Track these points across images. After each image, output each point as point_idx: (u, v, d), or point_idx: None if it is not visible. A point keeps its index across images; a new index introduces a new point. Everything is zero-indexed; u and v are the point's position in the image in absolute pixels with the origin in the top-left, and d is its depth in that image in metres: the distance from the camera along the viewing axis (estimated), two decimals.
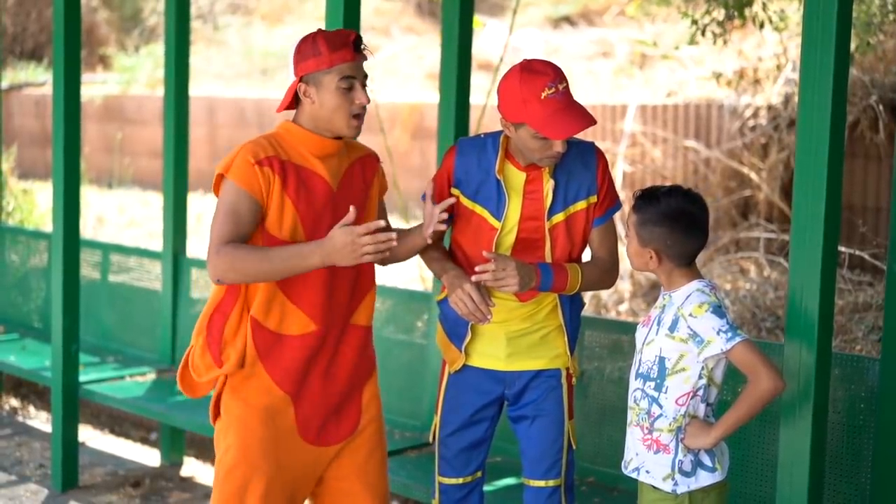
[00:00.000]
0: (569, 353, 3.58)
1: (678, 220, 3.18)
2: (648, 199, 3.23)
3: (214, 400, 3.43)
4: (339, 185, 3.37)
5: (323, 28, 4.25)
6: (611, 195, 3.54)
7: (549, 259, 3.47)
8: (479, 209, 3.50)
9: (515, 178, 3.47)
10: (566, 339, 3.57)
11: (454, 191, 3.53)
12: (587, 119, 3.28)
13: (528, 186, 3.46)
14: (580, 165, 3.48)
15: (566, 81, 3.33)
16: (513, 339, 3.56)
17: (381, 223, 3.13)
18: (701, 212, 3.23)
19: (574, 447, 3.61)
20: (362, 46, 3.33)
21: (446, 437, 3.66)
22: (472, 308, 3.40)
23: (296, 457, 3.40)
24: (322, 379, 3.40)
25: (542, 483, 3.58)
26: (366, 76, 3.35)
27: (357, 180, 3.43)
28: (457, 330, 3.60)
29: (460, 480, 3.66)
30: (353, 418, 3.48)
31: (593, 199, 3.49)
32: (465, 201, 3.52)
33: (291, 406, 3.37)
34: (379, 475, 3.54)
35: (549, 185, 3.44)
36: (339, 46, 3.27)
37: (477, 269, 3.34)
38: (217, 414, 3.43)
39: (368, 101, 3.32)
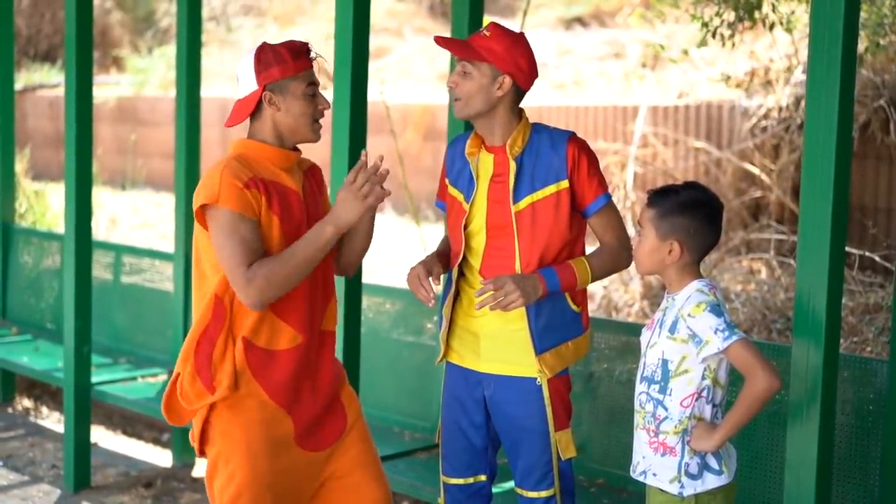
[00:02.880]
0: (535, 358, 3.46)
1: (700, 208, 3.21)
2: (666, 192, 3.25)
3: (200, 428, 3.39)
4: (304, 194, 3.44)
5: (333, 30, 4.30)
6: (595, 183, 3.48)
7: (516, 244, 3.45)
8: (456, 193, 3.56)
9: (487, 161, 3.52)
10: (532, 342, 3.47)
11: (446, 181, 3.63)
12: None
13: (496, 169, 3.49)
14: (548, 149, 3.47)
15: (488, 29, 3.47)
16: (486, 338, 3.53)
17: (367, 161, 3.24)
18: (718, 205, 3.27)
19: (565, 457, 3.51)
20: (313, 55, 3.42)
21: (445, 436, 3.66)
22: (416, 286, 3.44)
23: (296, 468, 3.42)
24: (311, 387, 3.44)
25: (534, 494, 3.53)
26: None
27: (314, 188, 3.52)
28: (440, 322, 3.63)
29: (462, 481, 3.64)
30: (341, 419, 3.51)
31: (563, 184, 3.44)
32: (450, 189, 3.59)
33: (289, 418, 3.39)
34: (377, 465, 3.58)
35: (512, 168, 3.45)
36: (299, 54, 3.37)
37: (476, 300, 3.38)
38: (204, 442, 3.41)
39: (329, 105, 3.43)
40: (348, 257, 3.59)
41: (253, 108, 3.37)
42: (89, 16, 5.60)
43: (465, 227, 3.51)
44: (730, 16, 6.23)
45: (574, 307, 3.54)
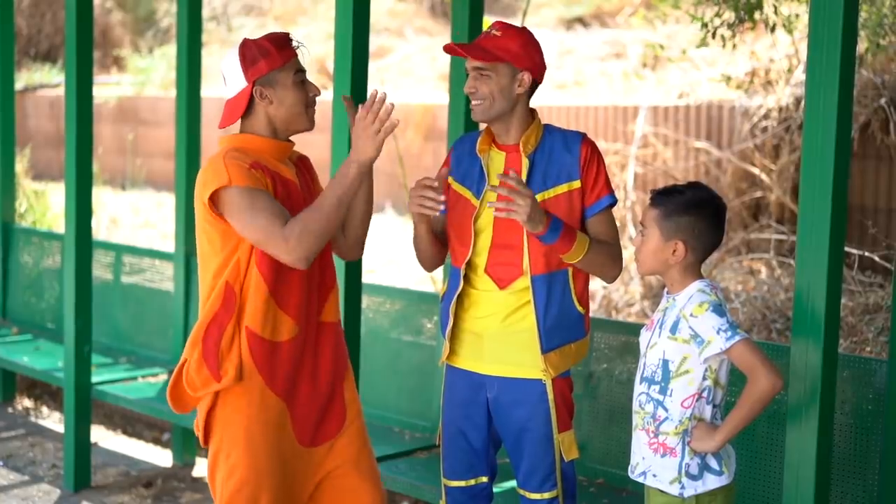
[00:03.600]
0: (541, 357, 3.45)
1: (705, 207, 3.21)
2: (670, 192, 3.25)
3: (205, 418, 3.39)
4: (300, 185, 3.44)
5: (334, 30, 4.30)
6: (601, 184, 3.48)
7: (525, 243, 3.44)
8: (463, 190, 3.55)
9: (498, 159, 3.52)
10: (539, 343, 3.45)
11: (449, 178, 3.60)
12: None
13: (508, 167, 3.49)
14: (562, 149, 3.48)
15: (498, 30, 3.46)
16: (490, 339, 3.51)
17: (374, 96, 3.21)
18: (722, 205, 3.27)
19: (568, 458, 3.51)
20: (295, 44, 3.42)
21: (445, 439, 3.65)
22: (419, 208, 3.38)
23: (295, 462, 3.42)
24: (309, 380, 3.43)
25: (537, 496, 3.53)
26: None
27: (307, 178, 3.52)
28: (444, 319, 3.60)
29: (463, 483, 3.63)
30: (340, 415, 3.51)
31: (575, 184, 3.45)
32: (455, 186, 3.58)
33: (287, 411, 3.39)
34: (373, 466, 3.58)
35: (525, 165, 3.45)
36: (283, 45, 3.36)
37: (500, 176, 3.28)
38: (208, 433, 3.41)
39: (319, 92, 3.42)
40: (352, 231, 3.57)
41: (245, 106, 3.35)
42: (90, 16, 5.60)
43: (474, 221, 3.50)
44: (730, 17, 6.22)
45: (580, 308, 3.53)
